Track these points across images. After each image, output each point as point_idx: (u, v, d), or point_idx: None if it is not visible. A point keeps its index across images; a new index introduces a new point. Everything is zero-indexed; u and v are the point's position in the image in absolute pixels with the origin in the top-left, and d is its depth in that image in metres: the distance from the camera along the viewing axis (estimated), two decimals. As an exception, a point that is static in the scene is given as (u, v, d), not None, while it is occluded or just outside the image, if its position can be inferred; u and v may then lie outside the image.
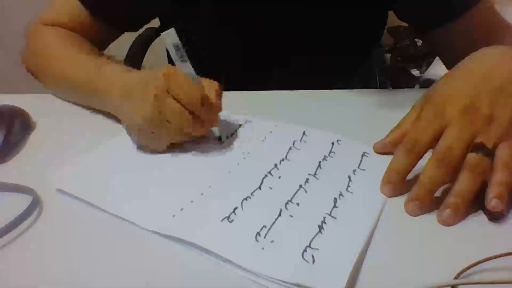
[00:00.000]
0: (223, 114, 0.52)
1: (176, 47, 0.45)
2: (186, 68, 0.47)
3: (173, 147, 0.50)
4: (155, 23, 0.88)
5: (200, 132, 0.49)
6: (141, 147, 0.51)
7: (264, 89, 0.62)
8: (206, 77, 0.50)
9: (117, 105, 0.52)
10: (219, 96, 0.50)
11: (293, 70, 0.67)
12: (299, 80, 0.61)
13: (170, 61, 0.54)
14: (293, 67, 0.68)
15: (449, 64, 0.56)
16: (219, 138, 0.52)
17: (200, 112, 0.47)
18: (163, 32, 0.44)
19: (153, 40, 1.09)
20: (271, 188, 0.44)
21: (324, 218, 0.40)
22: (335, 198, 0.43)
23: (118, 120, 0.56)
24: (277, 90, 0.62)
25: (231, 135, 0.53)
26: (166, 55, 0.83)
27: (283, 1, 0.65)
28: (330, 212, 0.41)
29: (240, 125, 0.55)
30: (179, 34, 0.46)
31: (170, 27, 0.45)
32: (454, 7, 0.62)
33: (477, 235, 0.39)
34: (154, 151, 0.50)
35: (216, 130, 0.52)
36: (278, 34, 0.68)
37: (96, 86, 0.55)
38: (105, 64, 0.56)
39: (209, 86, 0.49)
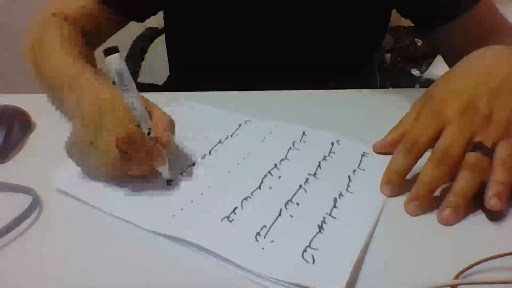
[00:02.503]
0: (220, 115, 0.51)
1: (120, 74, 0.39)
2: (130, 97, 0.40)
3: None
4: (155, 22, 0.88)
5: (137, 172, 0.42)
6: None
7: (262, 88, 0.62)
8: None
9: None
10: (171, 132, 0.44)
11: (293, 71, 0.67)
12: (300, 80, 0.61)
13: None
14: (293, 67, 0.68)
15: (451, 63, 0.56)
16: (168, 182, 0.45)
17: (129, 150, 0.40)
18: (107, 57, 0.38)
19: (153, 40, 1.09)
20: (271, 188, 0.44)
21: (324, 218, 0.40)
22: (335, 198, 0.43)
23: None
24: (275, 89, 0.62)
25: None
26: (166, 55, 0.83)
27: (284, 4, 0.65)
28: (330, 212, 0.41)
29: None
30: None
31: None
32: (456, 6, 0.62)
33: (477, 235, 0.39)
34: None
35: (163, 171, 0.44)
36: (278, 36, 0.68)
37: (62, 95, 0.52)
38: (79, 75, 0.51)
39: (159, 120, 0.43)
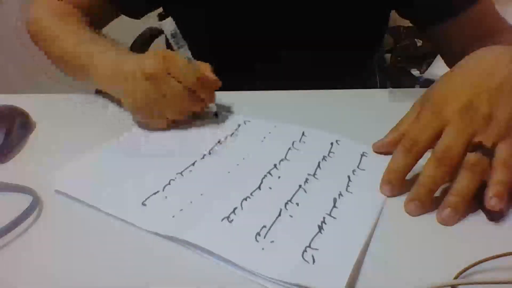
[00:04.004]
0: (221, 113, 0.52)
1: (174, 35, 0.50)
2: (183, 52, 0.52)
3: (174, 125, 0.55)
4: (155, 22, 0.88)
5: (198, 109, 0.55)
6: (143, 127, 0.55)
7: (262, 88, 0.62)
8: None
9: (107, 87, 0.58)
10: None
11: (293, 71, 0.67)
12: (299, 80, 0.61)
13: (169, 48, 0.57)
14: (293, 67, 0.68)
15: (451, 63, 0.56)
16: (215, 114, 0.56)
17: (198, 90, 0.52)
18: (162, 21, 0.50)
19: (153, 40, 1.09)
20: (270, 188, 0.44)
21: (324, 218, 0.40)
22: (335, 198, 0.43)
23: (118, 120, 0.56)
24: (275, 89, 0.62)
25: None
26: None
27: (284, 4, 0.65)
28: (330, 212, 0.41)
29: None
30: (177, 23, 0.50)
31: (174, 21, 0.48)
32: (455, 4, 0.62)
33: (477, 235, 0.39)
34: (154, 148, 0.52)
35: (213, 107, 0.56)
36: (277, 36, 0.68)
37: (85, 63, 0.59)
38: (99, 45, 0.60)
39: (204, 67, 0.54)
